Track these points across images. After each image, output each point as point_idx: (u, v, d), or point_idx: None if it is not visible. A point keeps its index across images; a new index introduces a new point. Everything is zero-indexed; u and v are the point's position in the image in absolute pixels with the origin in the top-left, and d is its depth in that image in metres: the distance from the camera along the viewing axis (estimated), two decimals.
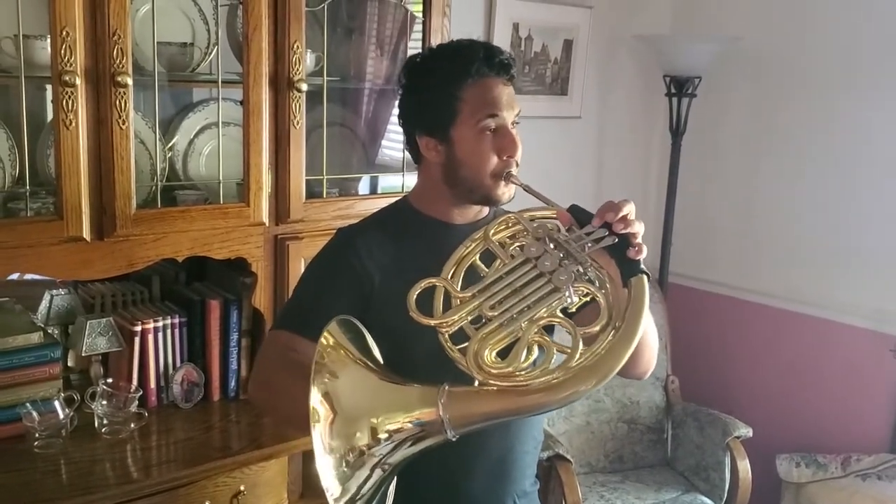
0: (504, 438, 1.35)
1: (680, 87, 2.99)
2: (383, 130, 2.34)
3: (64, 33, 1.55)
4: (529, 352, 1.00)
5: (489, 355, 0.99)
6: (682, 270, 3.26)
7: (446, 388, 0.97)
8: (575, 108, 3.07)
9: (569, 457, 2.45)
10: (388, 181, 2.30)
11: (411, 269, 1.10)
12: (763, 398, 3.08)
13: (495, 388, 0.97)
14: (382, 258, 1.31)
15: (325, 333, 1.00)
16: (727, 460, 2.63)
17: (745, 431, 2.65)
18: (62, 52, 1.55)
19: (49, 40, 1.56)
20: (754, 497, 2.65)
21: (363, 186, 2.31)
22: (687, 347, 3.15)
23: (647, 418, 2.88)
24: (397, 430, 0.96)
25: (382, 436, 0.95)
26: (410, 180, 2.19)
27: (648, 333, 1.25)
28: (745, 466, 2.61)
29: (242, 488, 1.73)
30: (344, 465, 0.93)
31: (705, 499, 2.64)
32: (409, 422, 0.96)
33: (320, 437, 0.93)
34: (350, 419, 0.96)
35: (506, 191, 1.30)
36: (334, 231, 1.40)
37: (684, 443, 2.81)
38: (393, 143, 2.29)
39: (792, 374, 3.02)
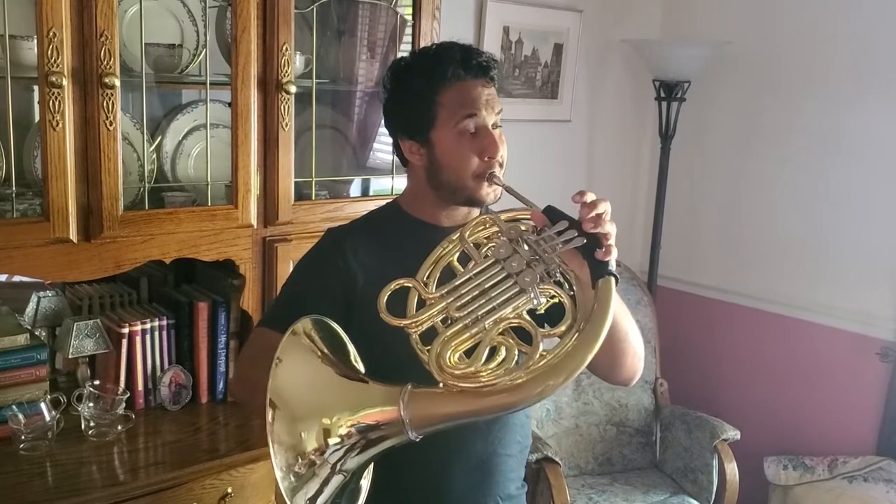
0: (485, 441, 1.35)
1: (669, 91, 3.00)
2: (374, 133, 2.34)
3: (51, 34, 1.54)
4: (496, 353, 1.00)
5: (451, 356, 0.99)
6: (670, 273, 3.27)
7: (409, 387, 0.97)
8: (565, 112, 3.08)
9: (557, 459, 2.45)
10: (378, 184, 2.30)
11: (396, 271, 1.10)
12: (751, 401, 3.10)
13: (458, 389, 0.97)
14: (368, 259, 1.31)
15: (292, 329, 1.00)
16: (715, 463, 2.64)
17: (733, 434, 2.65)
18: (49, 52, 1.55)
19: (36, 41, 1.56)
20: (742, 499, 2.66)
21: (354, 189, 2.31)
22: (675, 350, 3.16)
23: (636, 421, 2.89)
24: (349, 433, 0.95)
25: (334, 439, 0.94)
26: (400, 183, 2.19)
27: (630, 337, 1.25)
28: (732, 469, 2.62)
29: (230, 490, 1.73)
30: (293, 472, 0.92)
31: (693, 501, 2.65)
32: (368, 421, 0.96)
33: (272, 438, 0.92)
34: (300, 418, 0.95)
35: (490, 191, 1.30)
36: (322, 233, 1.41)
37: (672, 445, 2.82)
38: (385, 145, 2.29)
39: (779, 376, 3.04)
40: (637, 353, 1.29)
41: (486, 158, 1.28)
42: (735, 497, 2.64)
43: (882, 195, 2.75)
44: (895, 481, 2.59)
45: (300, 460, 0.93)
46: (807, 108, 2.90)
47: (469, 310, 1.02)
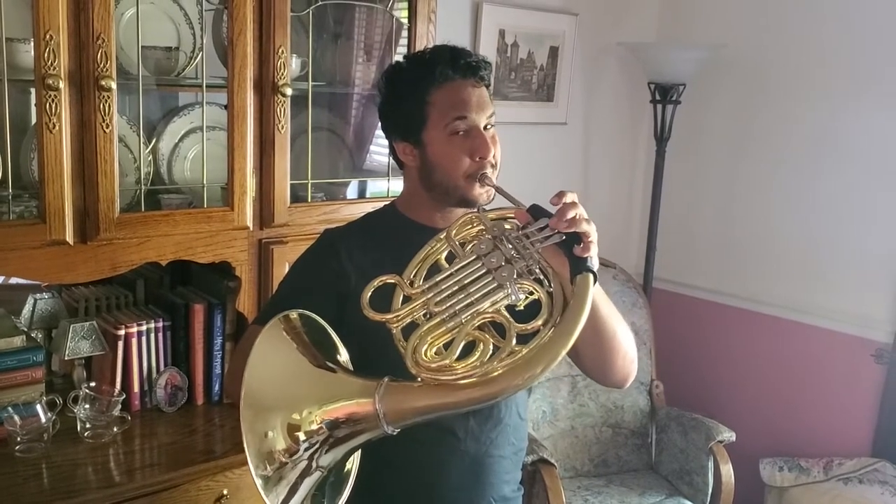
0: (477, 442, 1.35)
1: (665, 94, 3.01)
2: (371, 136, 2.35)
3: (48, 37, 1.55)
4: (475, 348, 1.01)
5: (428, 351, 1.00)
6: (666, 275, 3.28)
7: (386, 381, 0.98)
8: (561, 115, 3.08)
9: (553, 461, 2.46)
10: (375, 186, 2.31)
11: (390, 273, 1.11)
12: (746, 403, 3.10)
13: (435, 382, 0.98)
14: (363, 260, 1.32)
15: (271, 323, 1.00)
16: (710, 464, 2.64)
17: (729, 436, 2.66)
18: (46, 55, 1.55)
19: (32, 43, 1.56)
20: (737, 501, 2.66)
21: (351, 191, 2.32)
22: (671, 352, 3.17)
23: (632, 423, 2.89)
24: (320, 430, 0.95)
25: (306, 433, 0.95)
26: (396, 185, 2.20)
27: (618, 336, 1.26)
28: (728, 470, 2.62)
29: (225, 492, 1.73)
30: (263, 472, 0.93)
31: (689, 503, 2.65)
32: (342, 414, 0.96)
33: (246, 432, 0.93)
34: (269, 409, 0.96)
35: (482, 192, 1.31)
36: (318, 234, 1.41)
37: (668, 447, 2.83)
38: (381, 148, 2.29)
39: (775, 378, 3.04)
40: (628, 355, 1.29)
41: (477, 159, 1.28)
42: (730, 499, 2.64)
43: (877, 198, 2.76)
44: (890, 483, 2.60)
45: (273, 455, 0.94)
46: (801, 111, 2.91)
47: (447, 304, 1.03)
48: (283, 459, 0.95)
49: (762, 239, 3.06)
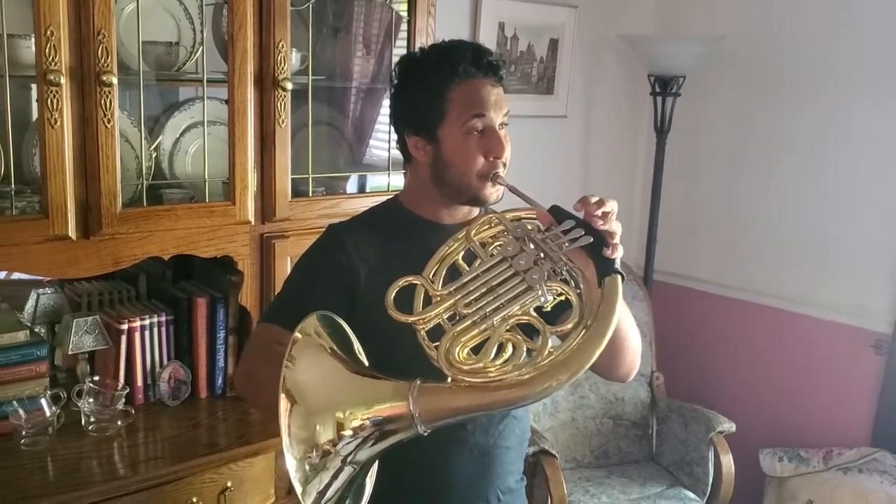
0: (486, 434, 1.36)
1: (664, 86, 3.01)
2: (370, 130, 2.35)
3: (48, 32, 1.55)
4: (503, 349, 1.00)
5: (460, 352, 1.00)
6: (666, 268, 3.29)
7: (418, 382, 0.98)
8: (560, 107, 3.09)
9: (554, 452, 2.47)
10: (375, 180, 2.31)
11: (398, 268, 1.11)
12: (746, 394, 3.12)
13: (467, 384, 0.98)
14: (370, 256, 1.32)
15: (301, 326, 1.01)
16: (711, 455, 2.66)
17: (729, 426, 2.68)
18: (47, 51, 1.56)
19: (33, 39, 1.57)
20: (737, 491, 2.68)
21: (351, 185, 2.32)
22: (671, 344, 3.18)
23: (632, 414, 2.91)
24: (361, 427, 0.96)
25: (347, 432, 0.95)
26: (395, 180, 2.21)
27: (629, 335, 1.27)
28: (728, 461, 2.64)
29: (229, 484, 1.74)
30: (307, 463, 0.94)
31: (689, 493, 2.67)
32: (378, 415, 0.96)
33: (286, 431, 0.94)
34: (313, 412, 0.96)
35: (493, 191, 1.31)
36: (320, 229, 1.42)
37: (669, 438, 2.84)
38: (381, 142, 2.30)
39: (774, 369, 3.06)
40: (636, 351, 1.30)
41: (491, 158, 1.29)
42: (731, 489, 2.66)
43: (877, 189, 2.77)
44: (889, 472, 2.61)
45: (314, 451, 0.94)
46: (801, 103, 2.91)
47: (477, 307, 1.03)
48: (321, 458, 0.95)
49: (762, 231, 3.07)
